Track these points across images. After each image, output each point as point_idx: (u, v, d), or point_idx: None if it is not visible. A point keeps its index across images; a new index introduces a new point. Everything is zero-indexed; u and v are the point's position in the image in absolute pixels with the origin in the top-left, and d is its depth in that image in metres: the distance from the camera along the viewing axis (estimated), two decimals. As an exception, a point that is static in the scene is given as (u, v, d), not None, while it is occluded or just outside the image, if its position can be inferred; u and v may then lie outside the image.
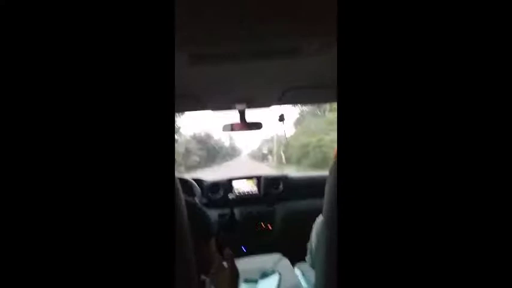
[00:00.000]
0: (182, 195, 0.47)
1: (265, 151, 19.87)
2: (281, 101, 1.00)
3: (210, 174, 2.01)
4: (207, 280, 0.64)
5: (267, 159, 19.55)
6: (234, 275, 0.57)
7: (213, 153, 17.62)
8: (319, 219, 0.68)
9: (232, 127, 1.12)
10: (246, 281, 1.01)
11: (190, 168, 12.21)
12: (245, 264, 1.06)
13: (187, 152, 12.99)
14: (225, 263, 0.58)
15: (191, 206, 0.61)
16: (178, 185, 0.46)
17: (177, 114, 1.41)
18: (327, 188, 0.48)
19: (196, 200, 1.40)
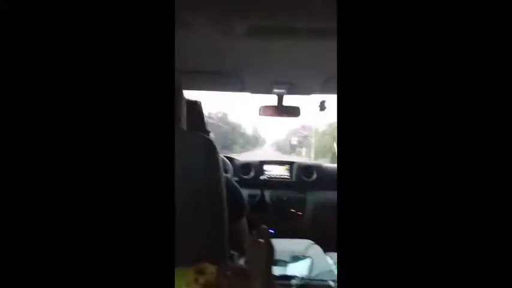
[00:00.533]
0: (222, 169, 0.51)
1: (294, 142, 16.51)
2: (323, 89, 0.96)
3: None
4: (235, 254, 0.66)
5: (295, 151, 16.28)
6: (271, 250, 0.56)
7: (229, 139, 14.44)
8: None
9: (265, 111, 1.07)
10: (276, 262, 0.88)
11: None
12: (275, 246, 0.83)
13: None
14: (260, 240, 0.58)
15: (226, 180, 0.61)
16: (220, 161, 0.51)
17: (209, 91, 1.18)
18: None
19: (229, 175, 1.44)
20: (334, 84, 0.76)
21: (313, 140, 11.50)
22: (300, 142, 15.60)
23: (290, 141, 17.71)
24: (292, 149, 17.21)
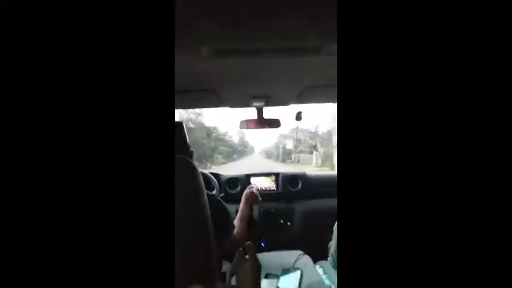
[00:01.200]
0: (204, 189, 0.55)
1: (289, 146, 14.24)
2: (300, 99, 0.99)
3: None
4: (228, 272, 0.71)
5: (292, 158, 14.05)
6: (256, 267, 0.58)
7: (212, 149, 11.87)
8: None
9: (247, 124, 1.07)
10: (268, 276, 0.97)
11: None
12: (266, 259, 0.98)
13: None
14: (246, 256, 0.60)
15: (212, 199, 0.63)
16: (201, 179, 0.54)
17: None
18: None
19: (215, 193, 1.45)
20: (310, 94, 0.87)
21: (318, 145, 9.18)
22: (296, 147, 13.36)
23: (284, 146, 15.37)
24: (286, 155, 14.99)
